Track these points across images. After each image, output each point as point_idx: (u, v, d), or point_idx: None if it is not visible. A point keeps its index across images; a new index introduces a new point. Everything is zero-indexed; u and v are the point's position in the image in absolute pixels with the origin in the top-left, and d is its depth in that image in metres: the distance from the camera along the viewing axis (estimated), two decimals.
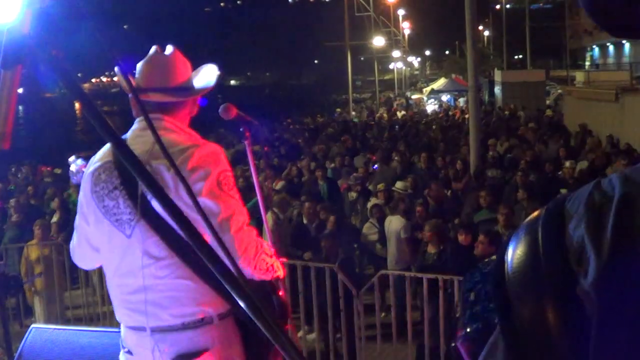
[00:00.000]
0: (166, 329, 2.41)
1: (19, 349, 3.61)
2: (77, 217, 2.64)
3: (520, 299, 0.64)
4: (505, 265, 0.66)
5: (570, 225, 0.63)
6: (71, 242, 2.72)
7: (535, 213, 0.68)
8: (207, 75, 2.65)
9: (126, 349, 2.57)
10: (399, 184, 9.40)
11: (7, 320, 4.71)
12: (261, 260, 2.43)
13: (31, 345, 3.59)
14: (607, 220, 0.60)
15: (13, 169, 14.93)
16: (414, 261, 7.40)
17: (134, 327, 2.49)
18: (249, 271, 2.39)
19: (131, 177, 2.34)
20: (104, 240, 2.52)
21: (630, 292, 0.57)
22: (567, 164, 9.98)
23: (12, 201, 10.05)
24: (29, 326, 3.86)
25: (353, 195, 10.06)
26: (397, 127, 21.45)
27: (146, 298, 2.42)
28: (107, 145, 2.52)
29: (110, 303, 8.38)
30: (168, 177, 2.34)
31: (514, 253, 0.66)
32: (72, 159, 2.98)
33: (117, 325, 2.68)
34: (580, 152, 12.05)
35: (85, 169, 2.91)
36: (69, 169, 3.01)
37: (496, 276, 0.66)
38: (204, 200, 2.31)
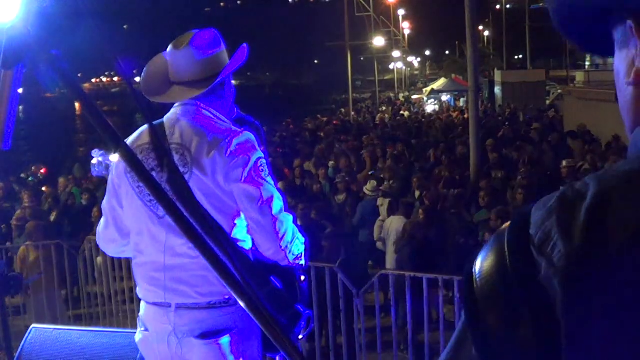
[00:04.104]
0: (191, 307, 2.47)
1: (19, 349, 3.61)
2: (106, 199, 2.67)
3: (489, 305, 0.65)
4: (474, 273, 0.67)
5: (535, 221, 0.65)
6: (98, 227, 2.74)
7: (505, 225, 0.69)
8: (236, 55, 2.64)
9: (143, 328, 2.61)
10: (368, 185, 9.29)
11: (7, 320, 4.71)
12: (295, 246, 2.49)
13: (31, 345, 3.59)
14: (580, 213, 0.61)
15: (33, 168, 14.77)
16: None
17: (157, 304, 2.53)
18: (282, 255, 2.45)
19: (169, 161, 2.38)
20: (134, 219, 2.56)
21: (599, 281, 0.58)
22: (565, 163, 10.01)
23: None
24: (28, 326, 3.86)
25: (340, 198, 9.71)
26: (390, 127, 21.37)
27: (168, 276, 2.47)
28: (144, 128, 2.58)
29: (110, 303, 8.29)
30: (206, 162, 2.40)
31: (483, 262, 0.67)
32: (95, 151, 3.02)
33: (116, 325, 2.70)
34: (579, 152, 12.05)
35: (109, 162, 2.95)
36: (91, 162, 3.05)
37: (466, 286, 0.68)
38: (244, 187, 2.39)
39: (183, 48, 2.49)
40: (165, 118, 2.56)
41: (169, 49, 2.56)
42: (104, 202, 2.69)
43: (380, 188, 9.43)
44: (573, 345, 0.59)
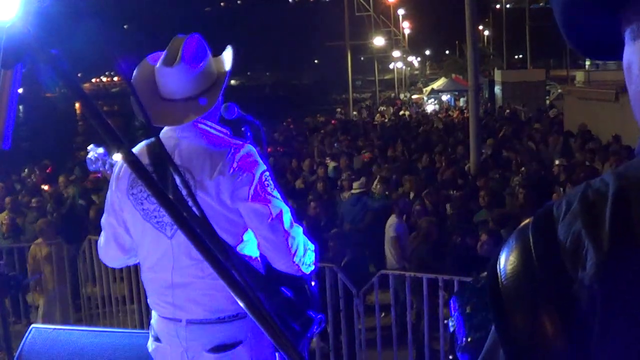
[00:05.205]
0: (202, 322, 2.47)
1: (19, 348, 3.61)
2: (105, 216, 2.63)
3: (516, 305, 0.64)
4: (499, 274, 0.67)
5: (561, 225, 0.64)
6: (99, 240, 2.72)
7: (525, 221, 0.69)
8: (221, 62, 2.55)
9: (155, 336, 2.62)
10: (355, 184, 9.25)
11: (7, 320, 4.71)
12: (308, 257, 2.48)
13: (31, 345, 3.59)
14: (604, 214, 0.61)
15: (26, 170, 14.68)
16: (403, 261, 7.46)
17: (168, 318, 2.53)
18: (296, 269, 2.44)
19: (173, 182, 2.33)
20: (141, 238, 2.54)
21: (633, 282, 0.58)
22: (557, 161, 10.05)
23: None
24: (28, 325, 3.86)
25: (345, 196, 9.62)
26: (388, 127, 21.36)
27: (177, 294, 2.47)
28: (141, 145, 2.50)
29: (110, 303, 8.26)
30: (210, 184, 2.35)
31: (507, 261, 0.67)
32: (91, 146, 2.97)
33: (116, 325, 2.69)
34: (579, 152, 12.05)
35: (105, 158, 2.90)
36: (86, 157, 2.99)
37: (491, 286, 0.67)
38: (251, 205, 2.35)
39: (176, 65, 2.37)
40: (162, 135, 2.48)
41: (158, 65, 2.42)
42: (103, 218, 2.66)
43: (373, 189, 9.42)
44: (606, 350, 0.58)
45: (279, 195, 2.43)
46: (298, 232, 2.45)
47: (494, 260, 0.69)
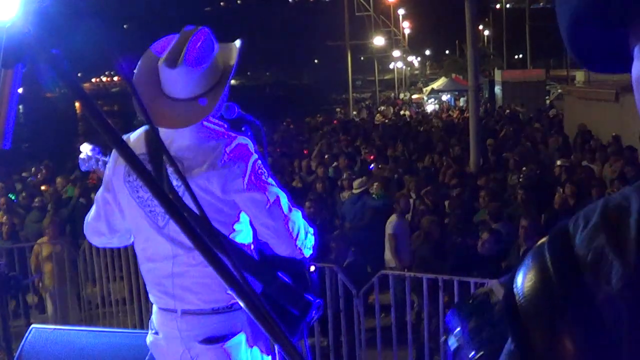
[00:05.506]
0: (196, 312, 2.47)
1: (19, 348, 3.61)
2: (101, 192, 2.62)
3: (535, 323, 0.64)
4: (516, 293, 0.66)
5: (579, 241, 0.64)
6: (87, 216, 2.70)
7: (541, 240, 0.69)
8: (228, 54, 2.50)
9: (154, 330, 2.62)
10: (355, 183, 9.25)
11: (7, 320, 4.71)
12: (309, 240, 2.49)
13: (31, 345, 3.59)
14: (629, 228, 0.60)
15: (33, 169, 14.66)
16: (400, 260, 7.46)
17: (164, 309, 2.54)
18: (298, 252, 2.45)
19: (166, 172, 2.33)
20: (137, 227, 2.55)
21: None
22: (559, 162, 10.03)
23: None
24: (28, 325, 3.86)
25: (345, 195, 9.58)
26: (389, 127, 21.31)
27: (177, 283, 2.47)
28: (139, 132, 2.50)
29: (109, 304, 8.26)
30: (200, 175, 2.36)
31: (524, 279, 0.66)
32: (84, 146, 2.96)
33: (116, 325, 2.69)
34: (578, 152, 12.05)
35: (99, 155, 2.90)
36: (79, 156, 2.99)
37: (508, 305, 0.66)
38: (248, 195, 2.36)
39: (178, 67, 2.33)
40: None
41: (160, 63, 2.39)
42: (98, 193, 2.66)
43: (370, 190, 9.42)
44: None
45: (273, 182, 2.44)
46: (297, 215, 2.46)
47: (509, 280, 0.68)
